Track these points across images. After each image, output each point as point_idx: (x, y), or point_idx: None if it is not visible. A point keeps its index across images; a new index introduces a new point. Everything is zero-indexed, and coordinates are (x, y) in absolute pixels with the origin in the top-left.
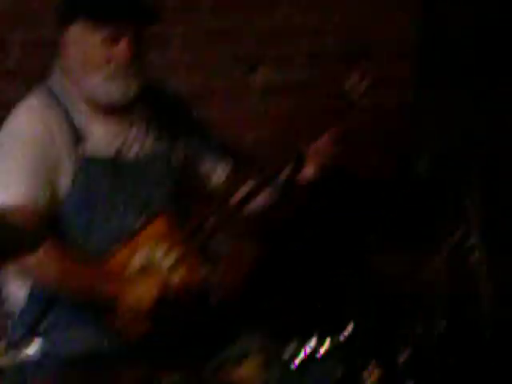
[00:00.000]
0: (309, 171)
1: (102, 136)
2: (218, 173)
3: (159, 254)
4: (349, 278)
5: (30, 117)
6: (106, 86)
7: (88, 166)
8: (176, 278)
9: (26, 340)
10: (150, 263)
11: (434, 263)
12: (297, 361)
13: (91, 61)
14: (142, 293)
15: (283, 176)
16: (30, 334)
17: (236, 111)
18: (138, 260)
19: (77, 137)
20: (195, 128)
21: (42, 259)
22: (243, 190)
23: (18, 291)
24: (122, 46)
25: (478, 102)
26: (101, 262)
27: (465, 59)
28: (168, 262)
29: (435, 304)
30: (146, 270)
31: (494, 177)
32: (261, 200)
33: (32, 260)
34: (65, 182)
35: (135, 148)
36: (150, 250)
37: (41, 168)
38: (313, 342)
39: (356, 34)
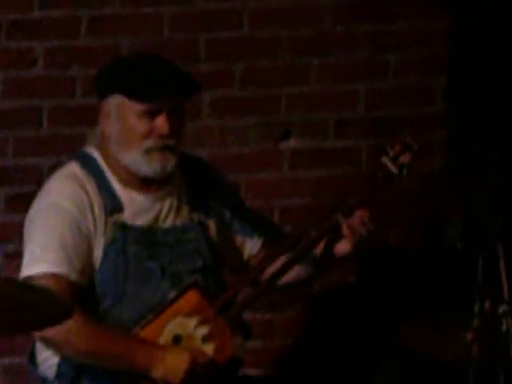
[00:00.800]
0: (344, 247)
1: (138, 205)
2: (250, 245)
3: (192, 326)
4: (378, 350)
5: (69, 186)
6: (145, 159)
7: (124, 234)
8: (208, 350)
9: None
10: (183, 335)
11: (465, 334)
12: None
13: (130, 133)
14: (175, 365)
15: (318, 250)
16: None
17: (266, 178)
18: (170, 331)
19: (114, 205)
20: (229, 199)
21: (71, 329)
22: (277, 264)
23: (50, 357)
24: (162, 120)
25: None
26: (132, 332)
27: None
28: (200, 334)
29: (467, 375)
30: (178, 341)
31: None
32: (293, 274)
33: (60, 329)
34: (100, 249)
35: (171, 218)
36: (182, 321)
37: (76, 241)
38: None
39: (387, 102)
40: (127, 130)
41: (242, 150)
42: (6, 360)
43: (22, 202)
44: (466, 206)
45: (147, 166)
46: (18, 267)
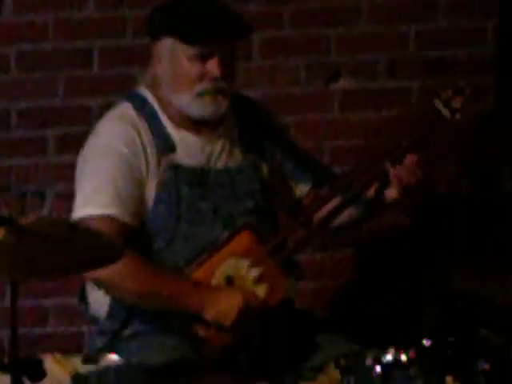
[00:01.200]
0: (393, 193)
1: (191, 145)
2: (302, 186)
3: (244, 267)
4: (428, 291)
5: (122, 128)
6: (198, 102)
7: (176, 175)
8: (260, 292)
9: (107, 348)
10: (235, 276)
11: None
12: (378, 368)
13: (183, 77)
14: (227, 306)
15: (368, 194)
16: (113, 341)
17: (316, 119)
18: (222, 272)
19: (167, 145)
20: (281, 140)
21: (122, 271)
22: (329, 206)
23: (101, 298)
24: (214, 63)
25: None
26: (185, 272)
27: None
28: (253, 275)
29: None
30: (230, 282)
31: None
32: (344, 217)
33: (111, 271)
34: (153, 190)
35: (224, 159)
36: (235, 262)
37: (128, 183)
38: (393, 351)
39: (436, 42)
40: (179, 74)
41: (292, 91)
42: (58, 300)
43: (72, 143)
44: None
45: (200, 109)
46: (69, 208)
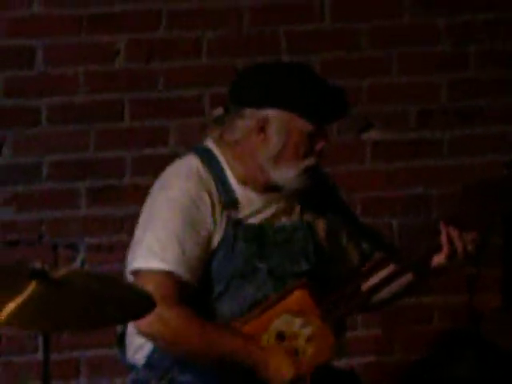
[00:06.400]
0: (442, 259)
1: (254, 205)
2: (356, 251)
3: (297, 324)
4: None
5: (193, 185)
6: (303, 177)
7: (236, 230)
8: (309, 351)
9: None
10: (286, 333)
11: None
12: None
13: (291, 151)
14: (277, 365)
15: (421, 262)
16: None
17: (348, 170)
18: (275, 328)
19: (231, 201)
20: (337, 204)
21: (178, 328)
22: (381, 274)
23: (145, 345)
24: (323, 141)
25: None
26: (235, 325)
27: None
28: (305, 334)
29: None
30: (282, 338)
31: None
32: (396, 285)
33: (167, 328)
34: (214, 242)
35: (283, 218)
36: (288, 319)
37: (194, 243)
38: None
39: (468, 90)
40: (290, 147)
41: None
42: (89, 353)
43: (103, 195)
44: None
45: (301, 183)
46: (100, 260)
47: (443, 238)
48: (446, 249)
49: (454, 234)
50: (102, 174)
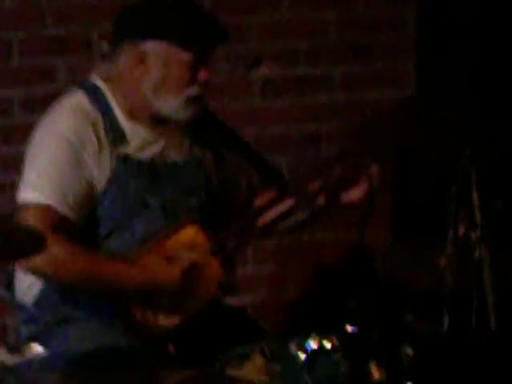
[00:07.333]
0: (357, 194)
1: (143, 138)
2: (247, 181)
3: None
4: (354, 275)
5: (77, 120)
6: (187, 107)
7: (126, 166)
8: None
9: (36, 336)
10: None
11: (440, 260)
12: (303, 355)
13: (173, 82)
14: (169, 269)
15: (320, 199)
16: (43, 329)
17: (236, 107)
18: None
19: (118, 137)
20: (223, 133)
21: (55, 258)
22: (279, 208)
23: (31, 284)
24: (205, 69)
25: None
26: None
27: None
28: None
29: (440, 301)
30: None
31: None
32: (291, 221)
33: (45, 259)
34: (102, 181)
35: (173, 153)
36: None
37: (74, 176)
38: (317, 337)
39: (357, 28)
40: (170, 78)
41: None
42: None
43: None
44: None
45: (187, 113)
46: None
47: (363, 176)
48: (365, 185)
49: (374, 170)
50: None
